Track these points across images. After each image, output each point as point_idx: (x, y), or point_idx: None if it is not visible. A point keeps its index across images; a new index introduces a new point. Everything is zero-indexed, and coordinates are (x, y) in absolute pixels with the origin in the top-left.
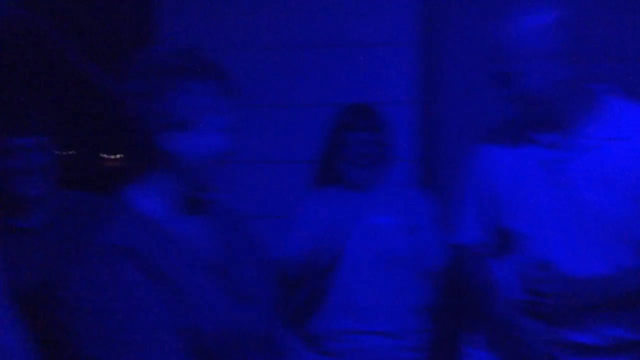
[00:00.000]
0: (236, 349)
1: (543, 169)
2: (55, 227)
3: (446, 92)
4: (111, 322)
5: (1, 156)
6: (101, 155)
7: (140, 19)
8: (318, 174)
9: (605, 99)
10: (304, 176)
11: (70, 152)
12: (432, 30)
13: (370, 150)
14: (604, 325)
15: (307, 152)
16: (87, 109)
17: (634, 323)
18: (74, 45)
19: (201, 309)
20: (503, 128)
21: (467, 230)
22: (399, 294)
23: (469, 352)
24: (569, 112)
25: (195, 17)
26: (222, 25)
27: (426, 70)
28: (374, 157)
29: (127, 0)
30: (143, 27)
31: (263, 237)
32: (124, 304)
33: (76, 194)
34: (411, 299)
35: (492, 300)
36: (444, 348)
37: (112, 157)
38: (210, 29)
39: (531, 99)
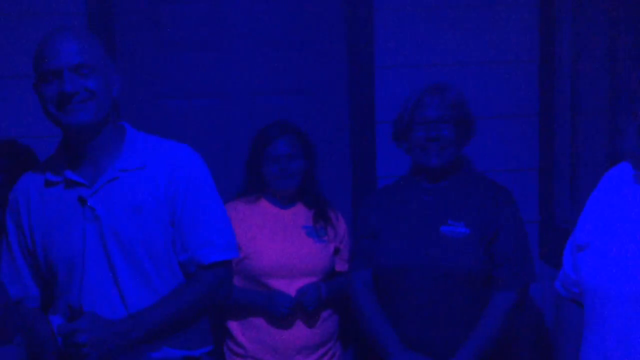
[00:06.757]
0: None
1: (77, 206)
2: None
3: None
4: None
5: None
6: None
7: None
8: None
9: (127, 133)
10: None
11: None
12: None
13: None
14: (153, 350)
15: None
16: None
17: (184, 340)
18: None
19: None
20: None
21: (11, 285)
22: None
23: None
24: (101, 147)
25: None
26: None
27: None
28: None
29: None
30: None
31: None
32: None
33: None
34: None
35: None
36: None
37: None
38: None
39: (80, 130)
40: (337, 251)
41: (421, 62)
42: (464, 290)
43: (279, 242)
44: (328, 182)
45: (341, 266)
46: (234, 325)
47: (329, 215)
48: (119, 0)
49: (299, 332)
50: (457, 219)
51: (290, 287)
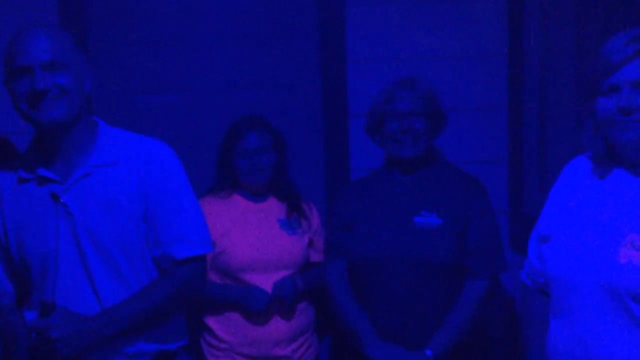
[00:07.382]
0: None
1: (50, 203)
2: None
3: None
4: None
5: None
6: None
7: None
8: None
9: (99, 129)
10: None
11: None
12: None
13: None
14: (128, 345)
15: None
16: None
17: (159, 334)
18: None
19: None
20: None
21: None
22: None
23: None
24: (73, 143)
25: None
26: None
27: None
28: None
29: None
30: None
31: None
32: None
33: None
34: None
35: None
36: None
37: None
38: None
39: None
40: (311, 243)
41: (392, 56)
42: (437, 280)
43: (253, 236)
44: (302, 175)
45: (316, 257)
46: (211, 320)
47: (302, 207)
48: None
49: (276, 325)
50: (430, 210)
51: (267, 281)
